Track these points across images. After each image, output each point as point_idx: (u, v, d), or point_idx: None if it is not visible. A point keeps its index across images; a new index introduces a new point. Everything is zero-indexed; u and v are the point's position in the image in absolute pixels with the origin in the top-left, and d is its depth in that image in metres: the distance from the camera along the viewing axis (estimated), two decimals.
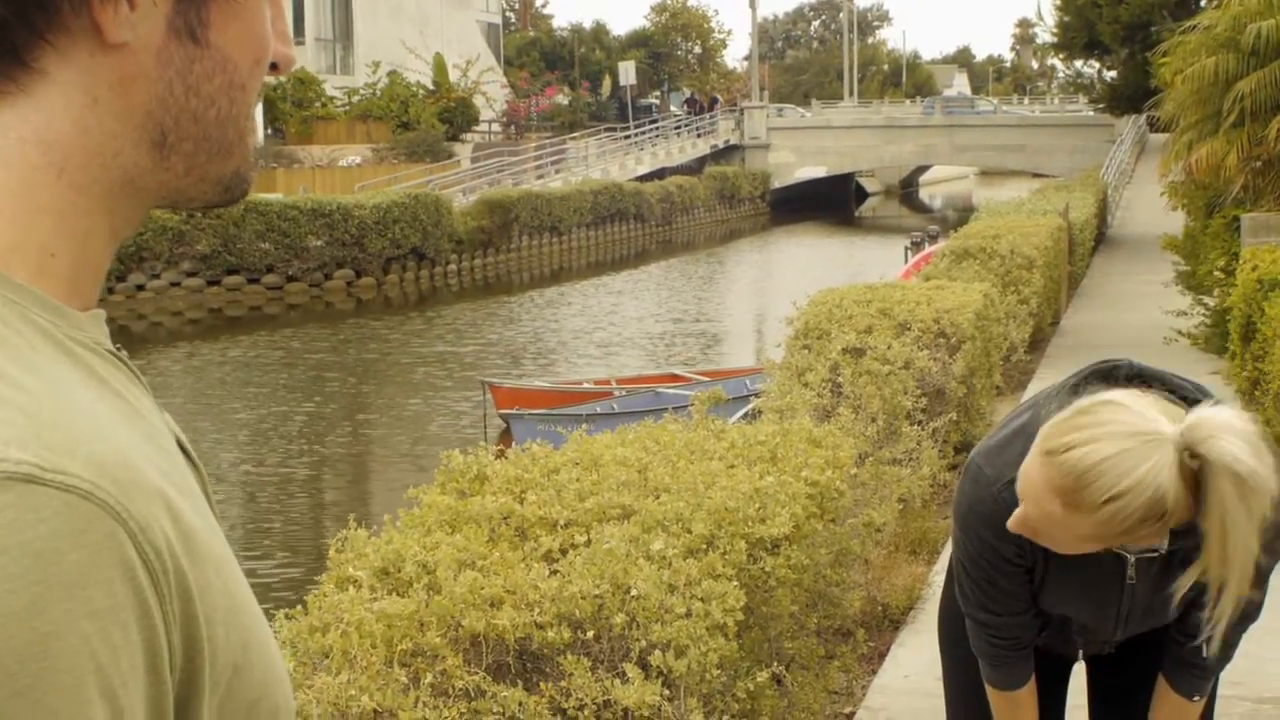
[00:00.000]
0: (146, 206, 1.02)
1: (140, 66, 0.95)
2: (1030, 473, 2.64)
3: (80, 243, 0.96)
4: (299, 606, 3.83)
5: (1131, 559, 2.88)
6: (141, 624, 0.84)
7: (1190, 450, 2.43)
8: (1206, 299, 15.11)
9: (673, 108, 66.75)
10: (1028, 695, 3.18)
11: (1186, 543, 2.62)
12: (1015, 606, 3.06)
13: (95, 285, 1.00)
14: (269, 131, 43.72)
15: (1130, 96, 35.14)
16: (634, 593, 3.78)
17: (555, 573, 3.88)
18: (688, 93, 69.39)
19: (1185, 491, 2.46)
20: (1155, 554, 2.85)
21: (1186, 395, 2.66)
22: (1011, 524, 2.72)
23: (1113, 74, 38.23)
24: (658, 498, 4.51)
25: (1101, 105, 40.69)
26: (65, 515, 0.81)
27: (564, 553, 4.09)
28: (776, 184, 58.55)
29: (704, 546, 4.18)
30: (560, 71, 64.87)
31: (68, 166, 0.94)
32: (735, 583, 4.00)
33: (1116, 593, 2.97)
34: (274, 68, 1.05)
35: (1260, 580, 2.75)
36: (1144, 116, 38.04)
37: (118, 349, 1.00)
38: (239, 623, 0.94)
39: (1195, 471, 2.44)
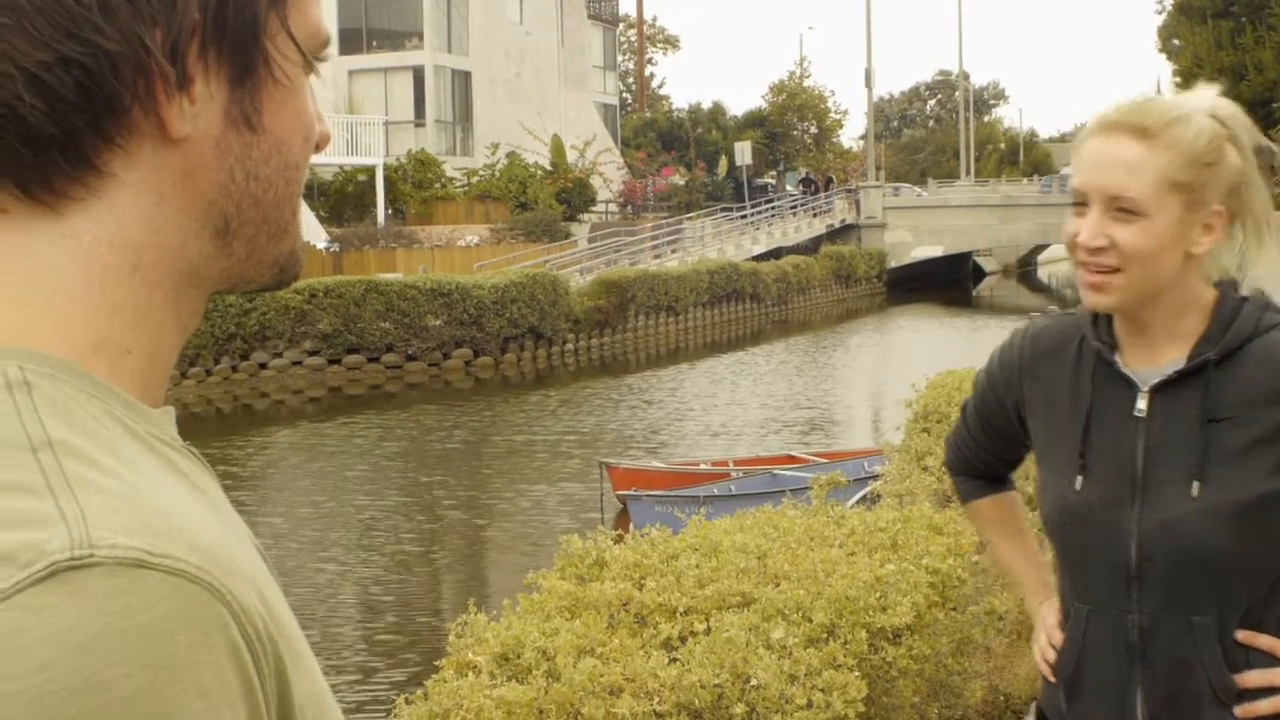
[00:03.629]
0: (208, 294, 1.04)
1: (202, 158, 0.97)
2: (1091, 147, 2.49)
3: (153, 338, 0.99)
4: (419, 692, 3.84)
5: (1143, 389, 2.53)
6: (247, 702, 0.86)
7: (1219, 119, 2.48)
8: None
9: (788, 187, 66.85)
10: (990, 509, 3.01)
11: (1210, 400, 2.46)
12: (982, 433, 2.90)
13: (164, 381, 1.02)
14: (389, 212, 44.31)
15: None
16: (754, 682, 3.76)
17: (674, 661, 3.87)
18: (803, 172, 69.47)
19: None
20: (1170, 378, 2.51)
21: None
22: (1066, 232, 2.51)
23: None
24: (777, 585, 4.48)
25: None
26: (175, 598, 0.83)
27: (683, 640, 4.07)
28: (893, 263, 58.33)
29: (824, 635, 4.15)
30: (676, 152, 65.24)
31: (140, 264, 0.96)
32: (856, 673, 3.96)
33: (1129, 436, 2.53)
34: (315, 146, 1.07)
35: None
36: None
37: (188, 445, 1.02)
38: (322, 709, 0.97)
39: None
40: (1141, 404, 2.53)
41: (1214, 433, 2.46)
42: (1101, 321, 2.61)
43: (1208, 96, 2.51)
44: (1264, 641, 2.49)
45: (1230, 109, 2.51)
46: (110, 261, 0.95)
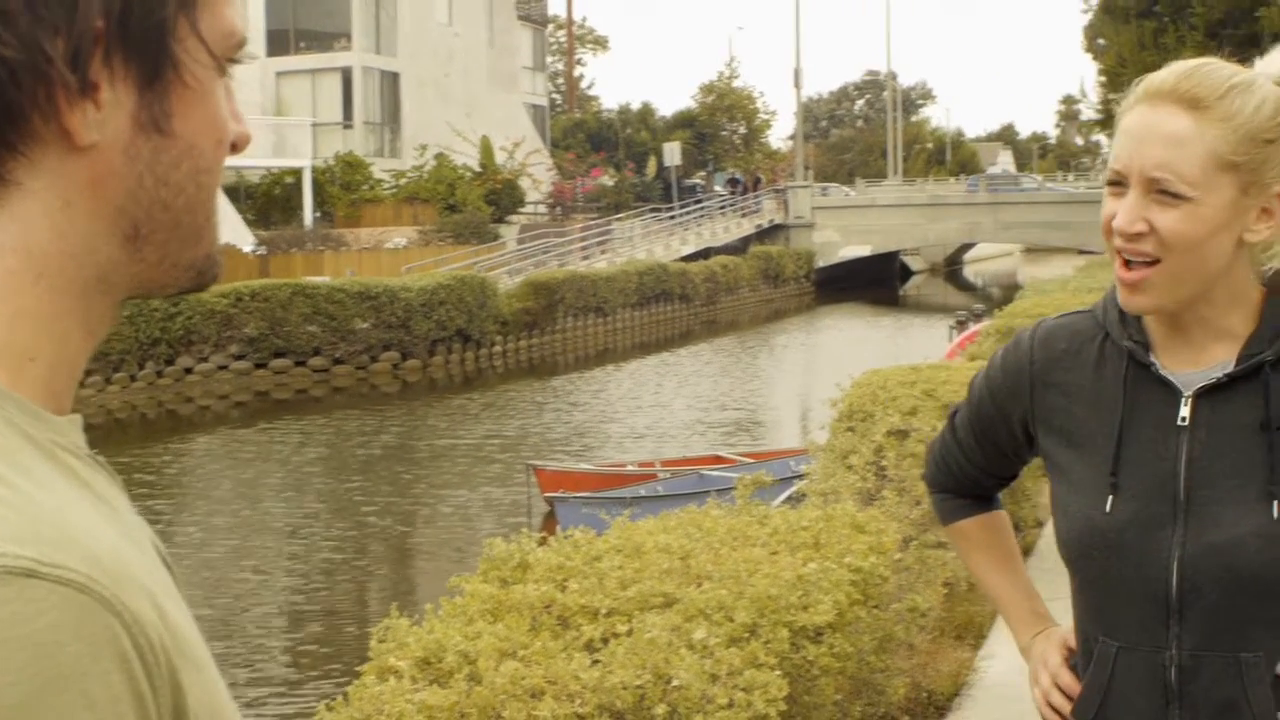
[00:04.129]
0: (119, 300, 1.02)
1: (110, 164, 0.96)
2: (1134, 118, 2.17)
3: (59, 345, 0.97)
4: (340, 698, 3.82)
5: (1186, 394, 2.22)
6: (138, 714, 0.85)
7: None
8: None
9: (717, 188, 67.01)
10: (977, 530, 2.68)
11: (1274, 406, 2.17)
12: (975, 446, 2.59)
13: (71, 387, 1.01)
14: (317, 214, 44.11)
15: None
16: (676, 683, 3.76)
17: (597, 663, 3.86)
18: (730, 173, 69.64)
19: None
20: (1218, 382, 2.21)
21: None
22: (1104, 214, 2.20)
23: None
24: (700, 586, 4.49)
25: None
26: (63, 608, 0.82)
27: (605, 642, 4.07)
28: (821, 263, 58.59)
29: (746, 635, 4.16)
30: (606, 153, 65.27)
31: (46, 271, 0.95)
32: (778, 672, 3.97)
33: (1170, 448, 2.23)
34: (233, 147, 1.06)
35: None
36: None
37: (95, 453, 1.01)
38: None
39: None
40: (1184, 411, 2.21)
41: (1279, 444, 2.16)
42: (1131, 317, 2.29)
43: None
44: None
45: None
46: (12, 268, 0.94)
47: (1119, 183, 2.17)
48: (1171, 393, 2.22)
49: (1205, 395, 2.20)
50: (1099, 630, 2.30)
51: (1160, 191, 2.12)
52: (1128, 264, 2.17)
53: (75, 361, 1.00)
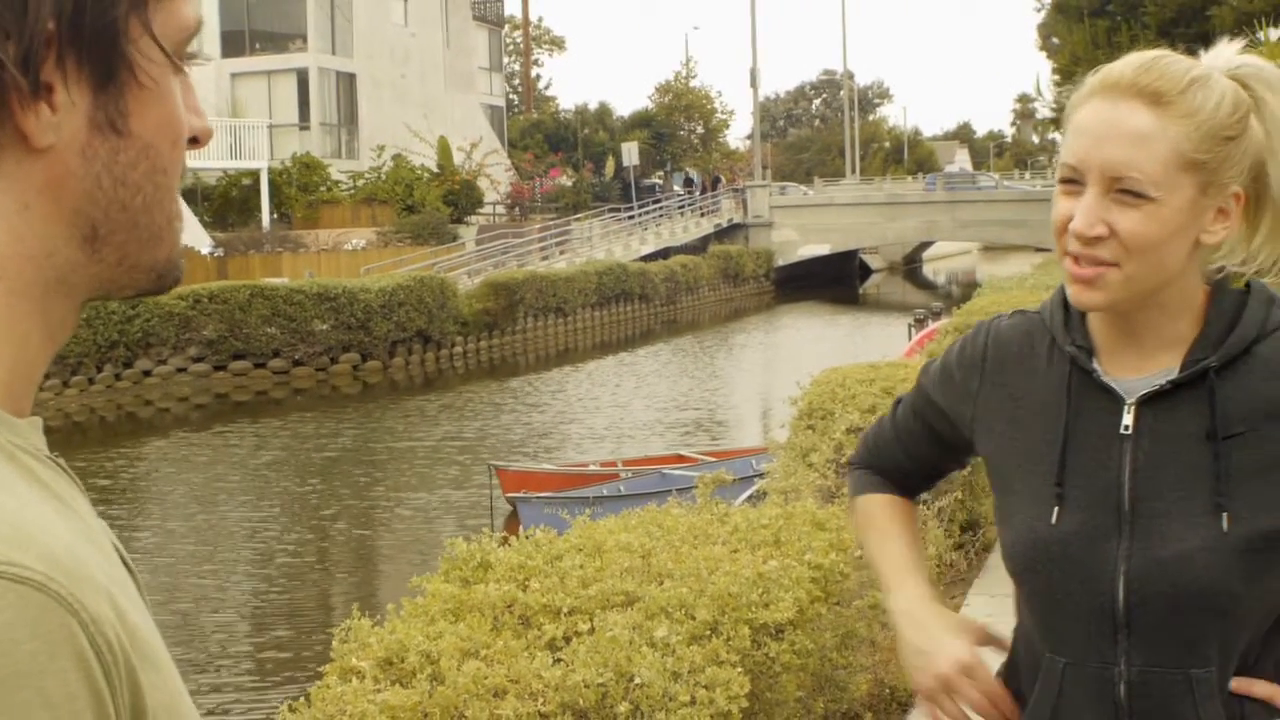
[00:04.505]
0: (79, 302, 1.02)
1: (67, 166, 0.96)
2: (1090, 113, 2.07)
3: (17, 347, 0.97)
4: (302, 699, 3.82)
5: (1129, 402, 2.13)
6: (96, 713, 0.85)
7: (1242, 81, 2.08)
8: None
9: (676, 188, 67.09)
10: (884, 506, 2.52)
11: (1219, 414, 2.09)
12: (917, 431, 2.46)
13: (31, 390, 1.00)
14: (274, 216, 43.97)
15: None
16: (638, 681, 3.78)
17: (559, 661, 3.87)
18: (686, 173, 69.70)
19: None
20: (1162, 389, 2.12)
21: None
22: (1057, 214, 2.09)
23: None
24: (661, 584, 4.50)
25: None
26: (19, 606, 0.82)
27: (567, 640, 4.08)
28: (780, 262, 58.69)
29: (707, 633, 4.17)
30: (564, 153, 65.26)
31: (4, 274, 0.95)
32: (739, 669, 3.99)
33: (1113, 457, 2.14)
34: (194, 142, 1.06)
35: None
36: None
37: (54, 456, 1.01)
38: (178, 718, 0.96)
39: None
40: (1127, 419, 2.12)
41: (1226, 453, 2.06)
42: (1075, 321, 2.20)
43: (1228, 54, 2.10)
44: (1260, 690, 2.13)
45: (1256, 68, 2.10)
46: None
47: (1074, 180, 2.06)
48: (1114, 400, 2.14)
49: (1149, 403, 2.12)
50: (1046, 645, 2.20)
51: (1122, 191, 2.02)
52: (1077, 260, 2.07)
53: (34, 364, 1.00)
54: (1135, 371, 2.14)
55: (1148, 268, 2.05)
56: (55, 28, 0.93)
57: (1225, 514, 2.04)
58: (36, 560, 0.84)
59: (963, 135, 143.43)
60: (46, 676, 0.83)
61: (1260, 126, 2.06)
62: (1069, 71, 34.20)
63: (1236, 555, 2.03)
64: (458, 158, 50.25)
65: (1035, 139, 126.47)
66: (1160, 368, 2.13)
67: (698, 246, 54.72)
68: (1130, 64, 2.06)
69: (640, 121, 73.84)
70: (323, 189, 46.55)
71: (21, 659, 0.82)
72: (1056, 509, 2.13)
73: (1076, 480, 2.14)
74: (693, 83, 77.68)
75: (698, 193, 62.28)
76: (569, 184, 58.82)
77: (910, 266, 79.02)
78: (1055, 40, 37.06)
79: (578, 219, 52.08)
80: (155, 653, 0.95)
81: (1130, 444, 2.11)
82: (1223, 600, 2.04)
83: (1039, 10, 39.06)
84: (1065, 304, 2.21)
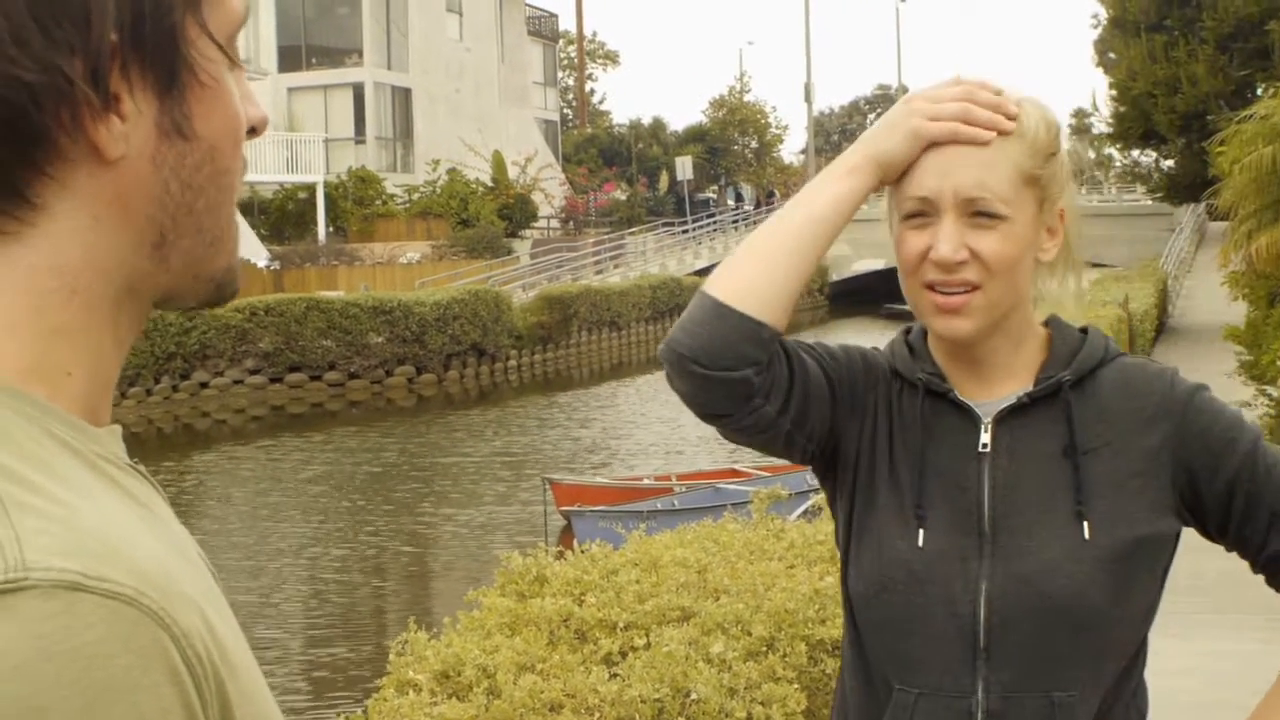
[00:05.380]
0: (146, 309, 1.03)
1: (137, 175, 0.97)
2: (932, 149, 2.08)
3: (94, 358, 0.98)
4: (360, 711, 3.84)
5: (985, 420, 2.12)
6: None
7: (1036, 103, 2.14)
8: (1270, 389, 14.98)
9: (730, 202, 66.99)
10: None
11: (1075, 429, 2.09)
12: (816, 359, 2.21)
13: (107, 398, 1.01)
14: (330, 229, 44.18)
15: (1188, 186, 35.02)
16: (694, 696, 3.78)
17: (615, 676, 3.88)
18: (744, 188, 69.60)
19: None
20: (1019, 403, 2.12)
21: None
22: (909, 250, 2.09)
23: (1170, 163, 38.09)
24: (717, 599, 4.50)
25: (1159, 195, 40.53)
26: (112, 621, 0.82)
27: (623, 655, 4.09)
28: (834, 277, 58.54)
29: (764, 649, 4.17)
30: (618, 167, 65.32)
31: (79, 287, 0.96)
32: (796, 685, 3.98)
33: (971, 477, 2.11)
34: (252, 132, 1.06)
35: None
36: (1203, 205, 37.90)
37: (135, 463, 1.02)
38: None
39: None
40: (985, 437, 2.11)
41: (1084, 465, 2.08)
42: (920, 352, 2.20)
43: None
44: None
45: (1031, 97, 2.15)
46: (49, 286, 0.95)
47: (922, 213, 2.08)
48: (970, 419, 2.13)
49: (1004, 421, 2.12)
50: (896, 677, 2.11)
51: (977, 214, 2.04)
52: (936, 289, 2.08)
53: (109, 373, 1.01)
54: (986, 396, 2.14)
55: (1005, 288, 2.07)
56: (118, 38, 0.93)
57: (1086, 522, 2.04)
58: (126, 575, 0.85)
59: None
60: (140, 691, 0.83)
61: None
62: (1126, 86, 34.02)
63: (1098, 565, 2.02)
64: (512, 172, 50.38)
65: (1091, 154, 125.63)
66: (1009, 391, 2.14)
67: None
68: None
69: (694, 136, 73.83)
70: (378, 203, 46.74)
71: (116, 675, 0.82)
72: (922, 531, 2.08)
73: (936, 503, 2.10)
74: (747, 97, 77.71)
75: (750, 207, 62.15)
76: (623, 198, 58.85)
77: None
78: (1112, 55, 36.80)
79: (631, 233, 52.09)
80: (243, 663, 0.95)
81: (989, 462, 2.10)
82: (1086, 614, 2.02)
83: (1095, 26, 38.79)
84: (906, 341, 2.23)
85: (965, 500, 2.09)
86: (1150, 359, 2.24)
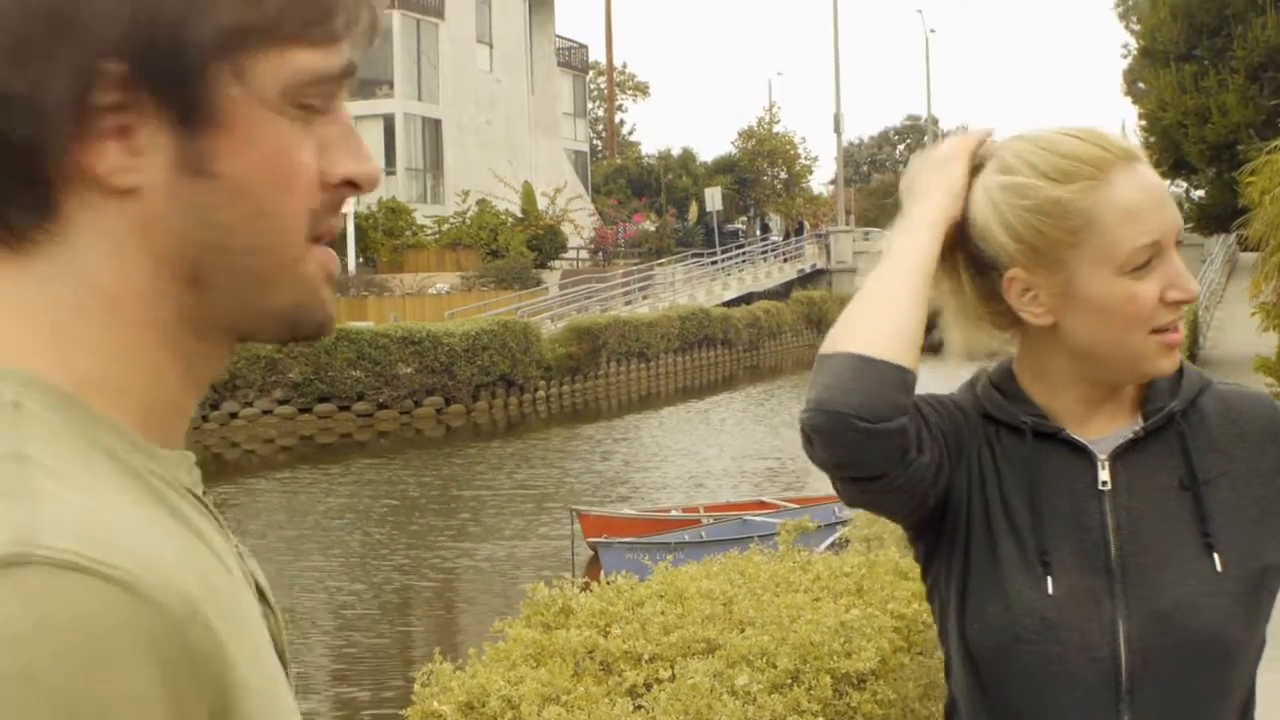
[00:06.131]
0: (220, 342, 1.03)
1: (154, 208, 0.96)
2: (1138, 182, 2.02)
3: (151, 380, 0.99)
4: None
5: (1102, 458, 2.06)
6: (175, 714, 0.86)
7: None
8: None
9: (757, 233, 67.03)
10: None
11: (1194, 459, 2.04)
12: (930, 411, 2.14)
13: (175, 424, 1.02)
14: (360, 260, 44.34)
15: (1219, 216, 34.88)
16: None
17: (640, 708, 3.87)
18: (772, 219, 69.61)
19: None
20: (1135, 438, 2.07)
21: None
22: (1146, 297, 1.99)
23: (1200, 193, 38.00)
24: (742, 631, 4.49)
25: (1190, 225, 40.39)
26: (107, 602, 0.84)
27: (648, 687, 4.08)
28: None
29: (789, 681, 4.15)
30: (647, 198, 65.41)
31: (118, 308, 0.97)
32: (821, 718, 3.97)
33: (1092, 516, 2.05)
34: (353, 185, 1.04)
35: None
36: (1233, 236, 37.77)
37: (201, 493, 1.02)
38: None
39: None
40: (1104, 474, 2.04)
41: (1206, 497, 2.03)
42: (1014, 392, 2.14)
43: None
44: None
45: None
46: (88, 304, 0.96)
47: (1148, 261, 1.99)
48: (1085, 458, 2.06)
49: (1120, 456, 2.06)
50: None
51: (1177, 242, 2.02)
52: (1166, 330, 2.02)
53: (173, 398, 1.01)
54: (1096, 432, 2.09)
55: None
56: (126, 69, 0.93)
57: (1216, 554, 2.00)
58: (125, 559, 0.86)
59: None
60: (130, 672, 0.84)
61: None
62: (1156, 117, 33.94)
63: (1234, 597, 1.98)
64: (542, 203, 50.54)
65: None
66: (1119, 426, 2.09)
67: (781, 292, 54.62)
68: (1108, 135, 2.06)
69: (723, 167, 73.88)
70: (408, 234, 46.93)
71: (101, 653, 0.83)
72: (1050, 577, 2.02)
73: (1058, 546, 2.04)
74: (776, 128, 77.69)
75: (779, 238, 62.16)
76: (652, 229, 58.95)
77: None
78: (1142, 85, 36.76)
79: (661, 264, 52.15)
80: (274, 700, 0.96)
81: (1110, 500, 2.05)
82: (1226, 647, 1.98)
83: (1125, 56, 38.77)
84: (993, 384, 2.17)
85: (1089, 540, 2.04)
86: (1239, 383, 2.20)
